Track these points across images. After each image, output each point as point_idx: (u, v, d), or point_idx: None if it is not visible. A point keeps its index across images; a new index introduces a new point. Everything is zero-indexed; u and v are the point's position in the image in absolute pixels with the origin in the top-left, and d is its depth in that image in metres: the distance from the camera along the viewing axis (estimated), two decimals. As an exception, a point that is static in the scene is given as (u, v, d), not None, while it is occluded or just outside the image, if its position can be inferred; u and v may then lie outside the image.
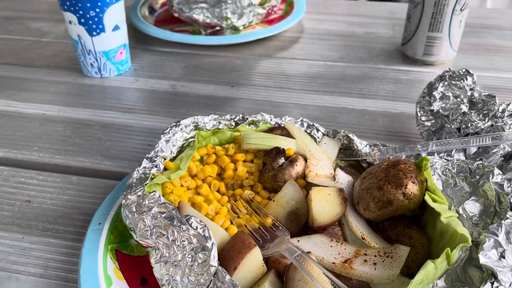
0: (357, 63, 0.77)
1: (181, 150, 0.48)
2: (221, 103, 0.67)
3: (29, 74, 0.74)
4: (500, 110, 0.49)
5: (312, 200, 0.41)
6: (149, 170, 0.43)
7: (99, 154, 0.56)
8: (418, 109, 0.56)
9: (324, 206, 0.40)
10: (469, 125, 0.49)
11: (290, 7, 0.93)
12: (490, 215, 0.38)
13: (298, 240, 0.38)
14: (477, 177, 0.41)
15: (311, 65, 0.77)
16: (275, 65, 0.77)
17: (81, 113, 0.64)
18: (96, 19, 0.66)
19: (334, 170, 0.46)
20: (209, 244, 0.35)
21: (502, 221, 0.35)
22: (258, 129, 0.51)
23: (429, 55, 0.74)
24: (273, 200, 0.43)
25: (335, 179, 0.45)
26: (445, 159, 0.44)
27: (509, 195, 0.38)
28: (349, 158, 0.49)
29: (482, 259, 0.33)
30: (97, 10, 0.66)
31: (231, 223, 0.42)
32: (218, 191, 0.46)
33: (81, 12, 0.65)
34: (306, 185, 0.45)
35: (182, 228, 0.36)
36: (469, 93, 0.53)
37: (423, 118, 0.55)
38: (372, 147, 0.48)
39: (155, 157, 0.45)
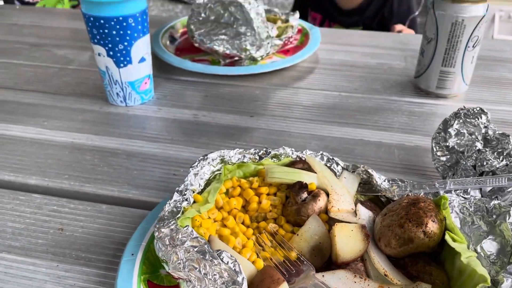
0: (371, 95, 0.80)
1: (208, 182, 0.51)
2: (241, 132, 0.70)
3: (57, 102, 0.77)
4: (514, 149, 0.51)
5: (335, 236, 0.43)
6: (180, 204, 0.45)
7: (126, 183, 0.59)
8: (433, 145, 0.58)
9: (347, 242, 0.42)
10: (484, 163, 0.51)
11: (306, 37, 0.97)
12: (507, 254, 0.40)
13: (323, 275, 0.40)
14: (494, 216, 0.43)
15: (327, 95, 0.80)
16: (292, 95, 0.80)
17: (108, 141, 0.67)
18: (124, 52, 0.70)
19: (355, 205, 0.48)
20: (239, 279, 0.37)
21: (520, 262, 0.37)
22: (280, 163, 0.54)
23: (442, 88, 0.76)
24: (297, 234, 0.45)
25: (356, 214, 0.47)
26: (462, 197, 0.46)
27: (526, 236, 0.39)
28: (369, 193, 0.51)
29: (501, 299, 0.35)
30: (125, 43, 0.69)
31: (257, 255, 0.44)
32: (243, 223, 0.48)
33: (110, 45, 0.69)
34: (329, 220, 0.47)
35: (214, 262, 0.38)
36: (483, 130, 0.55)
37: (439, 153, 0.57)
38: (390, 182, 0.50)
39: (185, 191, 0.47)
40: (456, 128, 0.57)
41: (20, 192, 0.57)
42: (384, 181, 0.51)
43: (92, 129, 0.70)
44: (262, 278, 0.39)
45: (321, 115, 0.74)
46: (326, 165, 0.53)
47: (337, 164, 0.54)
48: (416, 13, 1.42)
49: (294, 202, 0.48)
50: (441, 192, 0.46)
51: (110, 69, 0.71)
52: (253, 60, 0.86)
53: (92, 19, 0.67)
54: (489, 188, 0.48)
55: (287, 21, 0.94)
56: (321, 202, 0.47)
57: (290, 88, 0.83)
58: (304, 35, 0.98)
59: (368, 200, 0.51)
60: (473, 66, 0.75)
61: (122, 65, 0.71)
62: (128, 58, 0.71)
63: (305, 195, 0.49)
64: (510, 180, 0.44)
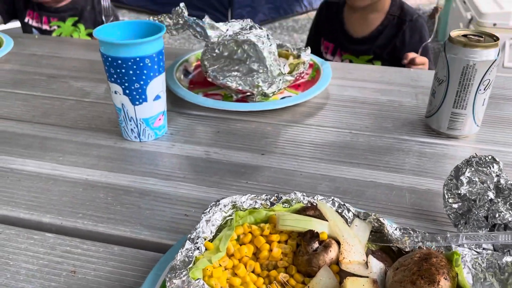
0: (382, 133, 0.80)
1: (219, 228, 0.51)
2: (252, 171, 0.71)
3: (72, 136, 0.79)
4: (527, 201, 0.51)
5: (347, 290, 0.43)
6: (191, 252, 0.46)
7: (138, 223, 0.60)
8: (445, 191, 0.58)
9: (359, 297, 0.42)
10: (497, 215, 0.51)
11: (317, 73, 0.98)
12: (521, 316, 0.40)
13: (334, 332, 0.40)
14: (506, 274, 0.42)
15: (338, 134, 0.81)
16: (303, 133, 0.81)
17: (121, 178, 0.68)
18: (139, 90, 0.71)
19: (366, 256, 0.48)
20: (250, 336, 0.37)
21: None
22: (292, 208, 0.54)
23: (454, 129, 0.76)
24: (308, 286, 0.45)
25: (367, 266, 0.47)
26: (475, 251, 0.46)
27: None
28: (380, 243, 0.51)
29: None
30: (141, 82, 0.71)
31: (268, 307, 0.44)
32: (253, 271, 0.49)
33: (126, 84, 0.71)
34: (340, 271, 0.47)
35: (225, 317, 0.38)
36: (495, 179, 0.55)
37: (450, 200, 0.57)
38: (402, 231, 0.50)
39: (197, 238, 0.47)
40: (468, 176, 0.57)
41: (35, 231, 0.58)
42: (396, 229, 0.51)
43: (107, 165, 0.71)
44: (273, 335, 0.39)
45: (332, 154, 0.75)
46: (338, 211, 0.54)
47: (349, 210, 0.54)
48: (429, 40, 1.43)
49: (305, 251, 0.48)
50: (454, 247, 0.46)
51: (125, 106, 0.73)
52: (265, 96, 0.88)
53: (110, 59, 0.69)
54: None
55: (299, 56, 0.96)
56: (332, 253, 0.47)
57: (300, 125, 0.83)
58: (315, 70, 0.99)
59: (379, 249, 0.51)
60: (484, 108, 0.75)
61: (137, 102, 0.72)
62: (143, 96, 0.72)
63: (316, 244, 0.49)
64: (523, 237, 0.44)
